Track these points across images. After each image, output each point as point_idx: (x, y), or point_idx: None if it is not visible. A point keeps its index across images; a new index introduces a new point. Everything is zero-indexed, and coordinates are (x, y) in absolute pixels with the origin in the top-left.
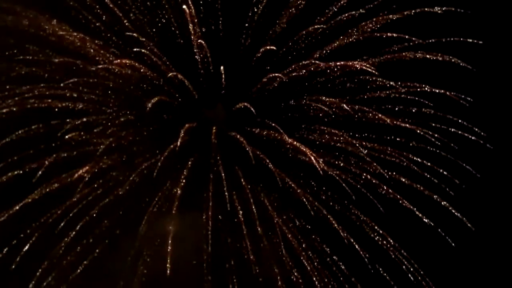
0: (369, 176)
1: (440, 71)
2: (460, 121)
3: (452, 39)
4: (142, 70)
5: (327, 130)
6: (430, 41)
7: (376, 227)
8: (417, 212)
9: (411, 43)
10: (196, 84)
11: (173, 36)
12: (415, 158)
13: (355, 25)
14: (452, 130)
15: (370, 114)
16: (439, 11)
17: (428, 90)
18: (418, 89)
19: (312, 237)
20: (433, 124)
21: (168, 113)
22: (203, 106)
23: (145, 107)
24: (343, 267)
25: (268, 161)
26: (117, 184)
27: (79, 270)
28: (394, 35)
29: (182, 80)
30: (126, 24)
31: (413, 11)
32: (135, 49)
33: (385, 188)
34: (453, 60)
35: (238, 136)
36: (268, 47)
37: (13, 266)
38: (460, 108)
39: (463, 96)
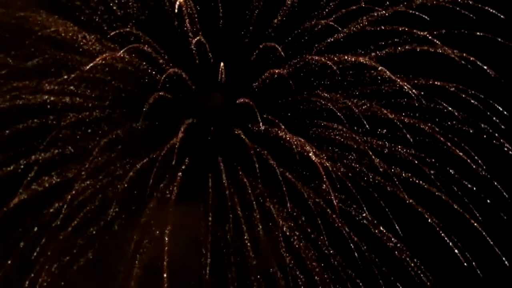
0: (370, 173)
1: (453, 66)
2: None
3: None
4: (138, 65)
5: (329, 125)
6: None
7: (377, 223)
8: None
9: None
10: (195, 79)
11: (171, 31)
12: (421, 155)
13: (357, 18)
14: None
15: (372, 108)
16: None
17: (430, 83)
18: (419, 83)
19: (310, 231)
20: (445, 124)
21: (166, 108)
22: (199, 94)
23: (143, 103)
24: (343, 262)
25: (268, 155)
26: (115, 179)
27: (78, 263)
28: (406, 28)
29: (181, 75)
30: (122, 16)
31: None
32: (135, 45)
33: (389, 184)
34: (474, 60)
35: (239, 131)
36: (267, 44)
37: (9, 261)
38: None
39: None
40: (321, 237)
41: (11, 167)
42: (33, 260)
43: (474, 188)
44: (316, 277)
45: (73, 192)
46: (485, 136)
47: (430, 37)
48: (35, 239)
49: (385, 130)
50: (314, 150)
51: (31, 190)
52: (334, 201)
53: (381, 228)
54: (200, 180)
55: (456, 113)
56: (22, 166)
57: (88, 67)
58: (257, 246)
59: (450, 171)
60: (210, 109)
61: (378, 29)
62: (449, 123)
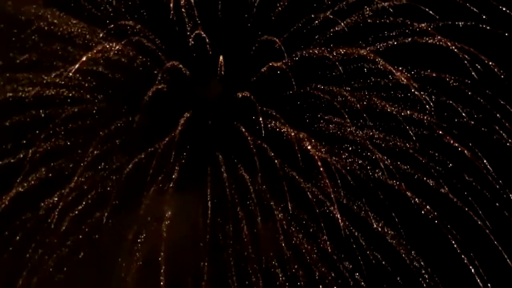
0: (369, 166)
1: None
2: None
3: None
4: (137, 58)
5: (330, 119)
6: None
7: (378, 218)
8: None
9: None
10: (194, 72)
11: (170, 24)
12: (422, 149)
13: (357, 10)
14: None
15: (372, 101)
16: None
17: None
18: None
19: (309, 225)
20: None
21: (165, 101)
22: (198, 85)
23: (142, 97)
24: (341, 255)
25: (267, 149)
26: (112, 172)
27: (75, 257)
28: (407, 21)
29: (180, 68)
30: (120, 10)
31: None
32: (133, 38)
33: (389, 178)
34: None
35: (238, 125)
36: (267, 37)
37: (5, 256)
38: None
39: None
40: (321, 234)
41: (8, 160)
42: (30, 254)
43: (473, 182)
44: (316, 272)
45: (70, 185)
46: (483, 129)
47: (430, 30)
48: (31, 232)
49: (384, 124)
50: (314, 143)
51: (28, 183)
52: (332, 195)
53: (381, 223)
54: (199, 173)
55: (455, 105)
56: (18, 159)
57: (84, 59)
58: (256, 240)
59: (450, 164)
60: (209, 99)
61: (378, 21)
62: (450, 116)
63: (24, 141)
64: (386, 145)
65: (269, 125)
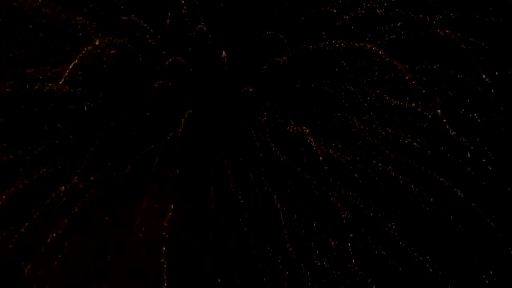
0: (374, 161)
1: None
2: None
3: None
4: (138, 54)
5: (335, 114)
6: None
7: (383, 212)
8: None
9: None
10: (195, 68)
11: (172, 20)
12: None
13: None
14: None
15: (378, 96)
16: None
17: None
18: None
19: (315, 221)
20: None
21: (166, 98)
22: (199, 80)
23: (143, 93)
24: (343, 251)
25: (272, 145)
26: (115, 169)
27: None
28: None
29: (181, 64)
30: (122, 5)
31: None
32: (137, 33)
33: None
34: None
35: (242, 121)
36: (270, 32)
37: (7, 252)
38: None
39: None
40: (324, 228)
41: (9, 156)
42: (32, 250)
43: (472, 172)
44: (318, 263)
45: (72, 182)
46: (489, 122)
47: (434, 22)
48: (32, 229)
49: (389, 118)
50: (318, 138)
51: (28, 180)
52: (335, 189)
53: (383, 214)
54: (201, 170)
55: (459, 98)
56: (19, 155)
57: (83, 53)
58: (259, 235)
59: (454, 158)
60: (211, 95)
61: (383, 14)
62: (456, 110)
63: (25, 137)
64: (391, 140)
65: (271, 122)
